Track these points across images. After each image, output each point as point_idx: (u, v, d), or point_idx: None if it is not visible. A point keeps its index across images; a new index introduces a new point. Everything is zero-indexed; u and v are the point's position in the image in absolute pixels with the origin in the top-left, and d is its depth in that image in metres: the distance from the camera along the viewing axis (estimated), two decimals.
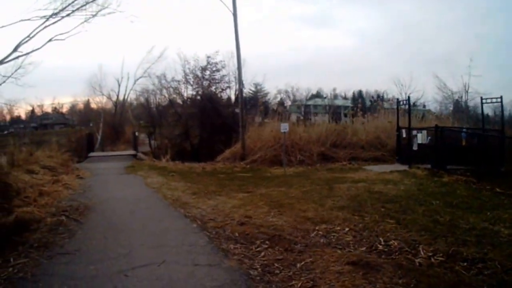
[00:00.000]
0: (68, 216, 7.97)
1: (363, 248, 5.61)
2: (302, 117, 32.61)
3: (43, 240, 6.39)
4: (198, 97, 27.86)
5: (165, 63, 56.08)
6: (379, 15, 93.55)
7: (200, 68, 27.51)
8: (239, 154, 17.99)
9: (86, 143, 25.95)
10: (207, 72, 27.62)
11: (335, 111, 31.01)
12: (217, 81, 27.93)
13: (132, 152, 25.01)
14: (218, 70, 27.56)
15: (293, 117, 29.60)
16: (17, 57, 13.98)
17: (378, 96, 59.36)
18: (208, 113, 25.99)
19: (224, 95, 29.07)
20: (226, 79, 27.94)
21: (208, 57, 27.31)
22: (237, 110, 21.88)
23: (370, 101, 55.48)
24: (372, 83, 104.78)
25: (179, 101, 30.18)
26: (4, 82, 13.03)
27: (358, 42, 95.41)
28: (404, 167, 13.67)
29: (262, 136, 18.35)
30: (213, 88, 27.92)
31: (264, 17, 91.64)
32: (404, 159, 14.87)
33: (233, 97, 28.56)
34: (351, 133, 18.10)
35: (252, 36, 79.57)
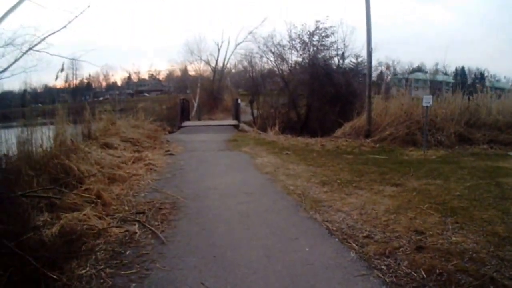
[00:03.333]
0: (144, 225, 5.31)
1: None
2: (404, 91, 29.66)
3: (92, 283, 3.78)
4: (309, 62, 25.63)
5: (269, 29, 55.22)
6: None
7: (308, 33, 25.74)
8: (364, 129, 15.01)
9: (180, 111, 23.25)
10: (315, 38, 25.78)
11: (436, 87, 27.88)
12: (326, 47, 26.07)
13: (233, 122, 22.64)
14: (327, 36, 25.70)
15: (394, 91, 26.25)
16: None
17: (481, 73, 59.12)
18: (320, 80, 23.74)
19: (332, 63, 26.88)
20: (335, 46, 26.06)
21: (317, 21, 25.51)
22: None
23: (472, 78, 54.77)
24: (472, 60, 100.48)
25: (285, 67, 28.12)
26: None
27: (460, 19, 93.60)
28: None
29: (390, 109, 15.41)
30: (321, 55, 25.86)
31: None
32: None
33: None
34: (486, 112, 15.04)
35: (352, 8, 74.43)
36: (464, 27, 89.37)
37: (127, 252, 4.42)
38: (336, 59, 26.59)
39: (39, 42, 8.65)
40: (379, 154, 11.68)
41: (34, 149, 7.51)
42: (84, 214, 5.26)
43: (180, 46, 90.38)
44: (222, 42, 44.67)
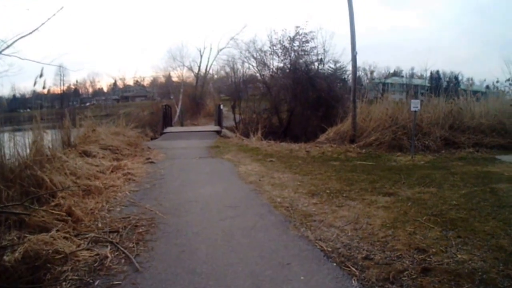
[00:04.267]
0: (118, 247, 4.63)
1: None
2: (381, 95, 29.86)
3: None
4: (291, 67, 25.17)
5: (250, 35, 55.53)
6: None
7: (289, 38, 25.25)
8: (349, 135, 14.37)
9: (162, 117, 22.66)
10: (296, 43, 25.29)
11: (412, 90, 28.23)
12: (306, 52, 25.51)
13: (215, 128, 21.96)
14: (307, 41, 25.22)
15: (371, 95, 27.63)
16: None
17: (456, 77, 58.92)
18: (303, 85, 23.33)
19: (313, 68, 26.17)
20: (315, 51, 25.54)
21: (297, 27, 24.97)
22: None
23: (447, 81, 54.76)
24: (446, 64, 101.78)
25: (266, 72, 27.64)
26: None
27: (432, 23, 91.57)
28: None
29: (374, 114, 14.86)
30: (302, 60, 25.32)
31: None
32: None
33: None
34: (470, 115, 14.80)
35: (331, 14, 76.14)
36: (437, 32, 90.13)
37: (96, 283, 3.76)
38: (316, 64, 26.17)
39: (8, 46, 7.91)
40: (366, 160, 11.18)
41: (8, 158, 6.87)
42: (51, 236, 4.57)
43: (163, 52, 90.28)
44: (204, 48, 44.92)
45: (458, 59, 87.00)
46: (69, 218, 5.42)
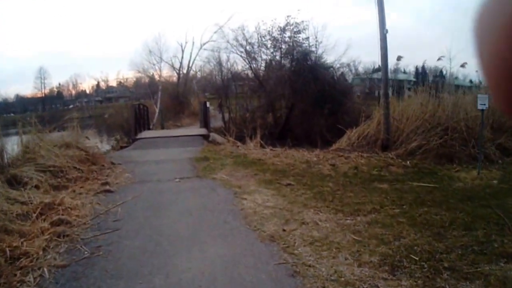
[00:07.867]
0: None
1: None
2: (367, 90, 30.19)
3: None
4: (288, 55, 22.64)
5: (236, 27, 53.00)
6: None
7: (279, 29, 22.94)
8: (380, 139, 11.04)
9: (134, 120, 17.51)
10: (287, 34, 22.99)
11: (397, 85, 29.38)
12: (298, 44, 23.05)
13: (202, 131, 17.84)
14: (299, 32, 22.84)
15: (356, 90, 27.56)
16: None
17: (441, 72, 57.93)
18: (304, 76, 20.23)
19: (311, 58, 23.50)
20: (307, 43, 23.02)
21: (288, 16, 22.63)
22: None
23: (433, 76, 53.54)
24: (430, 59, 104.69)
25: (259, 65, 25.00)
26: None
27: (414, 20, 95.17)
28: None
29: (408, 112, 11.59)
30: (300, 49, 22.74)
31: None
32: None
33: None
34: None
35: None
36: (421, 28, 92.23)
37: None
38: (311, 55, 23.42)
39: None
40: (420, 179, 7.90)
41: None
42: None
43: (140, 46, 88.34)
44: (186, 42, 41.27)
45: (442, 54, 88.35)
46: None
